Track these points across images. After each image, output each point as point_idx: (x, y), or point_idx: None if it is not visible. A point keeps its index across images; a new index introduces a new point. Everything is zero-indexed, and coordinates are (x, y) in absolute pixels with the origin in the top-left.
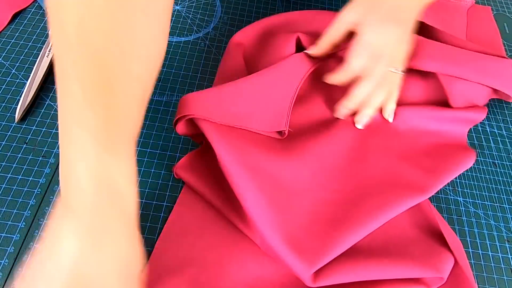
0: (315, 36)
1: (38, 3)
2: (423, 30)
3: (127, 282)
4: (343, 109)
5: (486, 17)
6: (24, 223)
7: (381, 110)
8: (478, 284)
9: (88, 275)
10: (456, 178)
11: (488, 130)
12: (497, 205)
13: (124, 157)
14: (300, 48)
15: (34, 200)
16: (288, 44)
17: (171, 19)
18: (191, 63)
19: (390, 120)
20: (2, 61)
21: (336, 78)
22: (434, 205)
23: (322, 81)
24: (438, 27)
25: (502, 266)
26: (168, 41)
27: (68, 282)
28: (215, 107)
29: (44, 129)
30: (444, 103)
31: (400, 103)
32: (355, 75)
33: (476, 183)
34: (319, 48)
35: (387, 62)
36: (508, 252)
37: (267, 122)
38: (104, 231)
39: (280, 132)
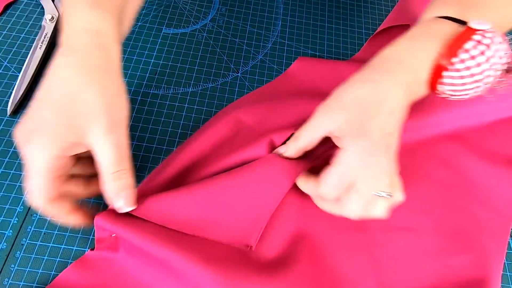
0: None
1: None
2: None
3: (112, 119)
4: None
5: None
6: (16, 219)
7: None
8: None
9: (76, 96)
10: None
11: None
12: None
13: (110, 21)
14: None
15: (27, 196)
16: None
17: (167, 11)
18: (188, 56)
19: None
20: None
21: (305, 188)
22: None
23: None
24: None
25: (506, 261)
26: (165, 33)
27: (57, 102)
28: (173, 212)
29: None
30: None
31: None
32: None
33: None
34: (289, 151)
35: (365, 194)
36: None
37: (233, 233)
38: (93, 68)
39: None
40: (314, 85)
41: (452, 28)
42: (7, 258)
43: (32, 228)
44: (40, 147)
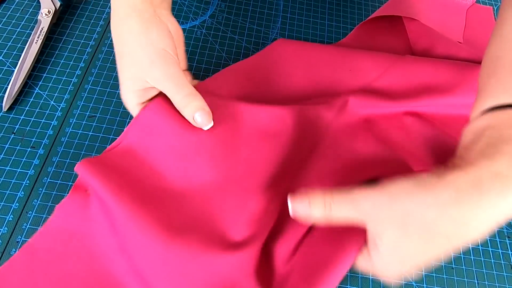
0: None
1: None
2: (418, 30)
3: (167, 56)
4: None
5: (487, 17)
6: (12, 216)
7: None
8: (477, 280)
9: (132, 53)
10: None
11: None
12: None
13: None
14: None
15: (23, 192)
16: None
17: None
18: (187, 52)
19: None
20: None
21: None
22: None
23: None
24: (433, 27)
25: (502, 262)
26: None
27: (120, 60)
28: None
29: (33, 119)
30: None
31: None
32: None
33: None
34: (315, 215)
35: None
36: (508, 248)
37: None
38: (146, 21)
39: None
40: (293, 62)
41: None
42: (2, 256)
43: (28, 226)
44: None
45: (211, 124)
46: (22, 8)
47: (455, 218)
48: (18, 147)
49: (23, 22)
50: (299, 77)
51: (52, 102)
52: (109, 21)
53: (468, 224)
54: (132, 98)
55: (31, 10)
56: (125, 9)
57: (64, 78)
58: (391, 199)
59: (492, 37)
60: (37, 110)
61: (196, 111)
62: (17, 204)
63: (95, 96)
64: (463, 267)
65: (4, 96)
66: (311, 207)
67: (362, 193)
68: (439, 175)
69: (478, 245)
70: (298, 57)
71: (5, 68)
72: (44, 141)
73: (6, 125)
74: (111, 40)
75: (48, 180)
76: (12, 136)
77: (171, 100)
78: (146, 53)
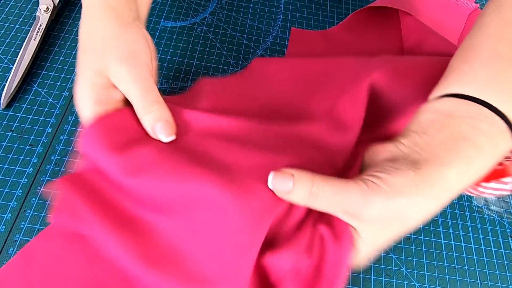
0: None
1: None
2: (412, 25)
3: (140, 59)
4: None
5: None
6: (10, 215)
7: None
8: (480, 280)
9: (93, 43)
10: None
11: None
12: (500, 200)
13: None
14: None
15: (21, 191)
16: None
17: (166, 3)
18: (186, 50)
19: None
20: None
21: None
22: None
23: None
24: (430, 25)
25: (505, 262)
26: (163, 26)
27: (82, 52)
28: None
29: (31, 117)
30: None
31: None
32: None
33: None
34: (296, 197)
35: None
36: (511, 248)
37: None
38: (125, 23)
39: None
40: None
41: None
42: None
43: (26, 224)
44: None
45: (173, 137)
46: (20, 4)
47: (423, 208)
48: (16, 145)
49: (21, 19)
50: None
51: (50, 100)
52: None
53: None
54: (87, 94)
55: (29, 6)
56: (103, 7)
57: (63, 75)
58: (387, 199)
59: (474, 25)
60: (36, 107)
61: (157, 121)
62: (15, 203)
63: None
64: (466, 267)
65: (2, 93)
66: (294, 188)
67: (350, 186)
68: (413, 170)
69: (481, 245)
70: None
71: (3, 65)
72: (42, 139)
73: (4, 122)
74: None
75: (47, 178)
76: (10, 134)
77: (133, 105)
78: (117, 50)
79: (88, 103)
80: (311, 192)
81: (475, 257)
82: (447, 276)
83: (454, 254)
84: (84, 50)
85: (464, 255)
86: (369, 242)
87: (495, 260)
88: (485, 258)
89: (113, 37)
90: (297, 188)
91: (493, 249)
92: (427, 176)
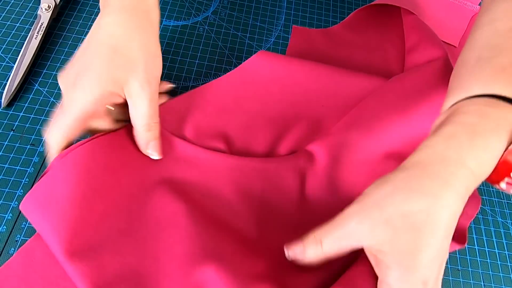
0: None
1: None
2: (413, 24)
3: (149, 75)
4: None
5: None
6: (11, 214)
7: None
8: (483, 282)
9: (120, 50)
10: None
11: None
12: (504, 202)
13: None
14: None
15: (22, 191)
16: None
17: (168, 2)
18: (188, 49)
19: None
20: None
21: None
22: None
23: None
24: (432, 25)
25: (509, 264)
26: (165, 25)
27: (103, 53)
28: None
29: (32, 116)
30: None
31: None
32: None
33: None
34: (309, 256)
35: None
36: None
37: None
38: (136, 27)
39: None
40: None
41: None
42: (0, 255)
43: (27, 224)
44: (82, 90)
45: (161, 156)
46: (21, 2)
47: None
48: (17, 145)
49: (22, 17)
50: (274, 99)
51: (52, 99)
52: None
53: (442, 208)
54: (88, 103)
55: (30, 4)
56: (118, 4)
57: None
58: (374, 205)
59: (467, 40)
60: (37, 106)
61: (155, 138)
62: (16, 203)
63: None
64: (469, 269)
65: (3, 92)
66: (305, 249)
67: (342, 215)
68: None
69: (485, 247)
70: (274, 79)
71: (4, 63)
72: (43, 139)
73: (5, 122)
74: None
75: None
76: (11, 133)
77: (134, 118)
78: (145, 72)
79: (79, 112)
80: (315, 240)
81: (478, 258)
82: (450, 278)
83: (458, 256)
84: (98, 52)
85: (468, 257)
86: (396, 254)
87: (498, 262)
88: (488, 260)
89: (140, 50)
90: (307, 247)
91: (496, 251)
92: (412, 172)
